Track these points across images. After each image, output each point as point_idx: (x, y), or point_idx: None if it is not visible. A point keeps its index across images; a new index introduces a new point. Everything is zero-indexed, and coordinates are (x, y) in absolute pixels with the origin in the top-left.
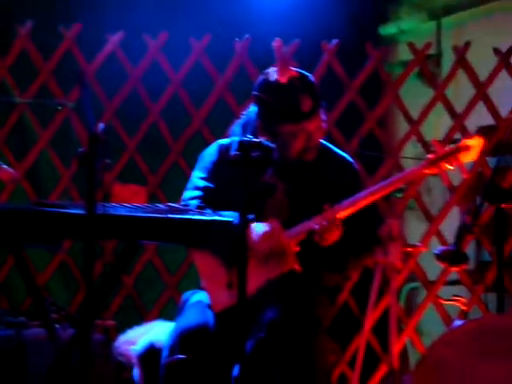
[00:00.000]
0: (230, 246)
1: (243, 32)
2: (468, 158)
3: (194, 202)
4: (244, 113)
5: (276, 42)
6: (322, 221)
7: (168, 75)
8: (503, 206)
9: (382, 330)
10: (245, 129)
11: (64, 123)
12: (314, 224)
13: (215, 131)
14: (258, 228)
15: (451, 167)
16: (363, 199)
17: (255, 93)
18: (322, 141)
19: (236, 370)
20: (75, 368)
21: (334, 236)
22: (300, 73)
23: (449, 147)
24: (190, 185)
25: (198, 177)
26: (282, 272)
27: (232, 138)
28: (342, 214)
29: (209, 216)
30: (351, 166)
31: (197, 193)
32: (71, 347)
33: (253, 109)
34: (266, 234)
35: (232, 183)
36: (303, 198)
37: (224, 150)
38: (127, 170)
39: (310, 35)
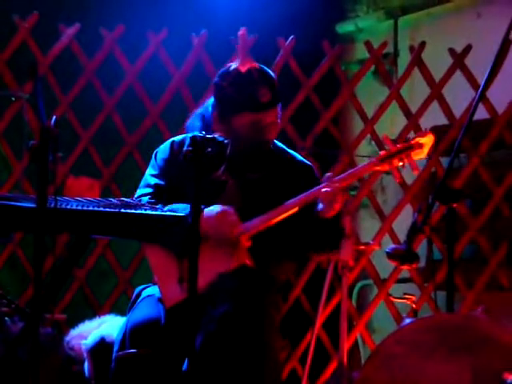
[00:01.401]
0: (181, 240)
1: (200, 27)
2: (419, 155)
3: (145, 199)
4: (203, 104)
5: (241, 31)
6: (329, 188)
7: (124, 68)
8: (454, 205)
9: (332, 326)
10: (201, 121)
11: (18, 115)
12: (321, 190)
13: (171, 125)
14: (212, 208)
15: (402, 164)
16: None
17: (215, 80)
18: (275, 141)
19: (185, 364)
20: (24, 361)
21: (338, 205)
22: (260, 66)
23: (401, 144)
24: (142, 182)
25: (149, 174)
26: (233, 267)
27: (186, 135)
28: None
29: (161, 211)
30: (306, 168)
31: (148, 190)
32: (20, 340)
33: (211, 101)
34: (219, 215)
35: (185, 180)
36: (255, 195)
37: (177, 147)
38: (81, 163)
39: (267, 32)
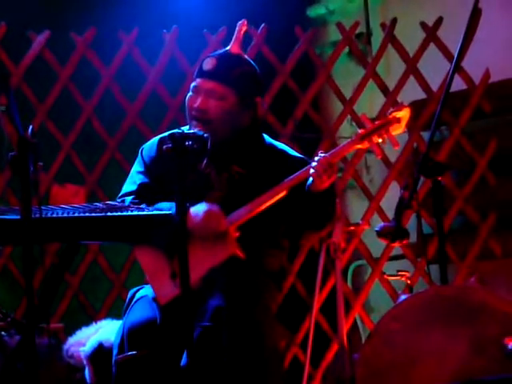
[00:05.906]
0: (170, 237)
1: (171, 23)
2: (398, 129)
3: (128, 199)
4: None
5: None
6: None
7: (99, 71)
8: (439, 178)
9: (330, 310)
10: None
11: None
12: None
13: (150, 124)
14: (198, 208)
15: (381, 140)
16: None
17: None
18: (265, 137)
19: (184, 360)
20: (23, 373)
21: (325, 177)
22: (249, 61)
23: (379, 121)
24: (128, 179)
25: (136, 171)
26: (223, 259)
27: (171, 131)
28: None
29: (147, 211)
30: (300, 161)
31: (133, 187)
32: (18, 353)
33: None
34: (205, 213)
35: (169, 177)
36: (242, 190)
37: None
38: (64, 171)
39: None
